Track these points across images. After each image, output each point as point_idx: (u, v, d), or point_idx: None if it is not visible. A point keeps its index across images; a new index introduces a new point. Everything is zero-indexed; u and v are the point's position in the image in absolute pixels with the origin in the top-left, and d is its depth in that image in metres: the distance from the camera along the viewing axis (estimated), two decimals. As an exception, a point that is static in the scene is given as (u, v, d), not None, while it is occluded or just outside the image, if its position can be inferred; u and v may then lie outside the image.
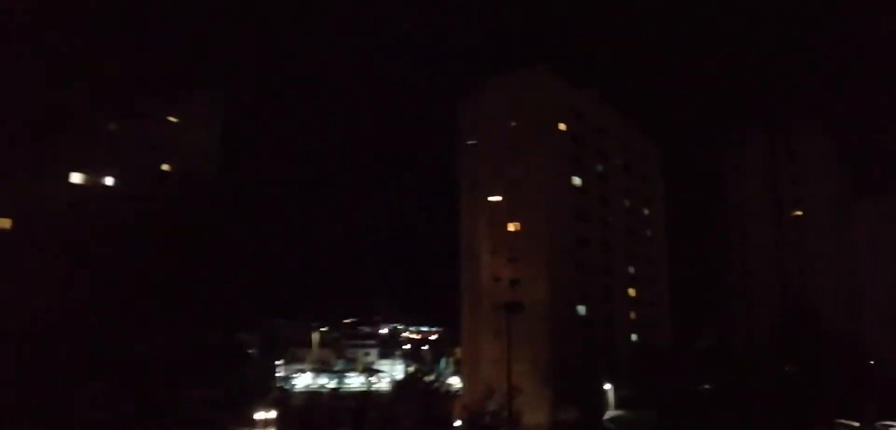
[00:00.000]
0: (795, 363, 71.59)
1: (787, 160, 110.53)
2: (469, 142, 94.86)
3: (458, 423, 43.99)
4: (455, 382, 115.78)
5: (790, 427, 58.59)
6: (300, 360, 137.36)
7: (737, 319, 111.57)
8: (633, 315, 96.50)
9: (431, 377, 77.14)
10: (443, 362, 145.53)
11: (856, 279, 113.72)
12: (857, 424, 63.51)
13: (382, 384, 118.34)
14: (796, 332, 72.80)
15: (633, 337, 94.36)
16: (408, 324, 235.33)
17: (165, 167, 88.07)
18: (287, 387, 78.91)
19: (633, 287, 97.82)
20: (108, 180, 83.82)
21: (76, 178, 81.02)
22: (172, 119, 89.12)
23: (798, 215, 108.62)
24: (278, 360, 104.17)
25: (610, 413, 79.56)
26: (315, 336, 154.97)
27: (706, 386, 71.78)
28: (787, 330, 75.68)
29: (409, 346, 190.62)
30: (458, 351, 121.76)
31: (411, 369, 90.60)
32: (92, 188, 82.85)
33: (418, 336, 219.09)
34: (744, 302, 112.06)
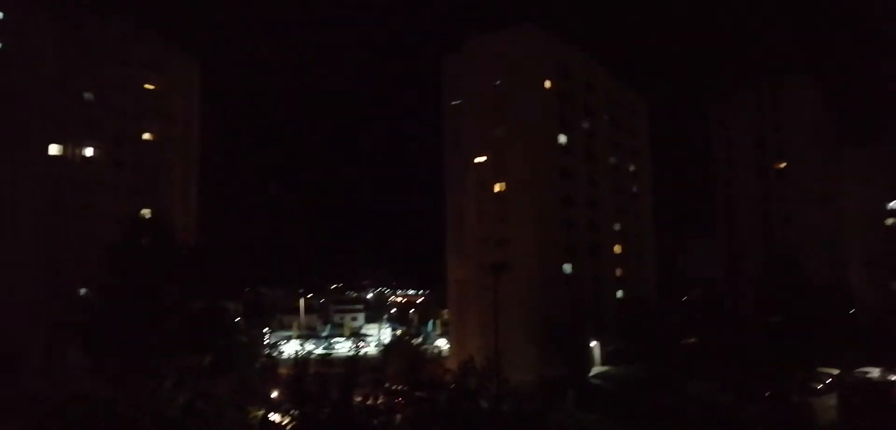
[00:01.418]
0: (779, 313, 72.36)
1: (772, 112, 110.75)
2: (454, 102, 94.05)
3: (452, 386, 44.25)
4: (442, 344, 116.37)
5: (773, 376, 59.33)
6: (287, 327, 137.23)
7: (722, 271, 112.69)
8: (619, 272, 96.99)
9: (419, 340, 77.31)
10: (430, 324, 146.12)
11: (839, 229, 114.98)
12: (837, 371, 64.55)
13: (370, 348, 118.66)
14: (780, 282, 73.38)
15: (620, 293, 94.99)
16: (395, 288, 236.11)
17: (147, 136, 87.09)
18: (274, 354, 78.49)
19: (619, 243, 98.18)
20: (89, 150, 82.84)
21: (54, 149, 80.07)
22: (150, 87, 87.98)
23: (783, 167, 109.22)
24: (265, 327, 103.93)
25: (596, 369, 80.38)
26: (302, 303, 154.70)
27: (692, 339, 72.43)
28: (771, 281, 76.25)
29: (396, 310, 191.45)
30: (446, 313, 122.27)
31: (398, 332, 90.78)
32: (72, 159, 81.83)
33: (405, 300, 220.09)
34: (729, 254, 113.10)
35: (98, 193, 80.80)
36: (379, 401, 37.82)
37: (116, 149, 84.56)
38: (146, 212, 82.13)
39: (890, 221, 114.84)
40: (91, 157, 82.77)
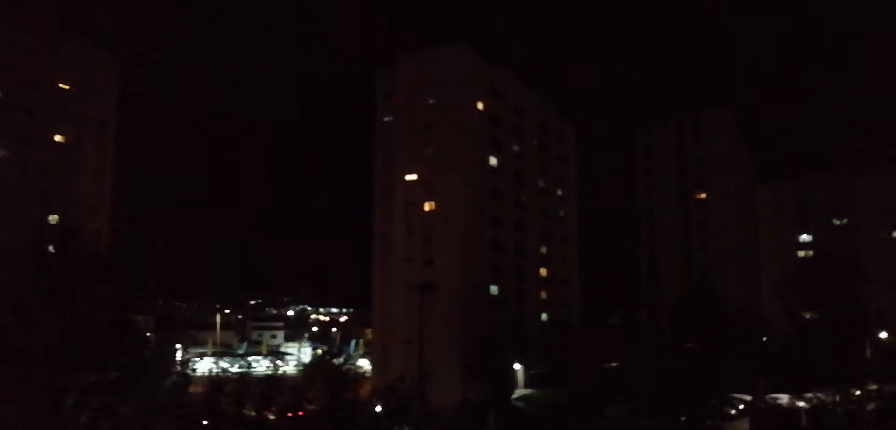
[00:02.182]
0: (695, 339, 74.42)
1: (693, 145, 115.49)
2: (385, 119, 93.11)
3: (378, 408, 42.97)
4: (365, 364, 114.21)
5: (689, 401, 60.76)
6: (201, 343, 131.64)
7: (643, 297, 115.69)
8: (544, 294, 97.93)
9: (340, 360, 75.30)
10: (353, 344, 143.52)
11: (754, 259, 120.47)
12: (749, 397, 66.66)
13: (289, 367, 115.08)
14: (696, 308, 75.59)
15: (544, 316, 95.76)
16: (317, 306, 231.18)
17: (58, 138, 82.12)
18: (187, 371, 74.79)
19: (544, 267, 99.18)
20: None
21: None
22: (64, 86, 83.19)
23: (702, 198, 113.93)
24: (177, 343, 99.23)
25: (519, 392, 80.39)
26: (218, 318, 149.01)
27: (612, 363, 73.46)
28: (688, 307, 78.46)
29: (318, 328, 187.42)
30: (369, 333, 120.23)
31: (320, 351, 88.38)
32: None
33: (328, 318, 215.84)
34: (650, 280, 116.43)
35: (2, 196, 75.36)
36: (297, 422, 36.22)
37: (23, 150, 79.22)
38: (54, 218, 77.34)
39: (801, 252, 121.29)
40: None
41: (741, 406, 64.38)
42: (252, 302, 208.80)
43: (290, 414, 41.11)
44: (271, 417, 41.21)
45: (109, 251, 67.48)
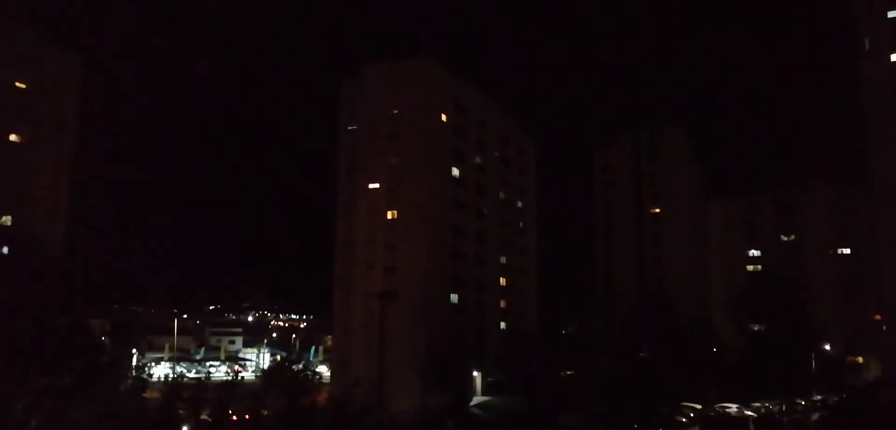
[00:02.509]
0: (648, 349, 76.50)
1: (649, 161, 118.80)
2: (350, 127, 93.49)
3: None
4: (324, 371, 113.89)
5: (641, 410, 62.48)
6: (158, 348, 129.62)
7: (599, 307, 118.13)
8: (503, 304, 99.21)
9: (300, 366, 75.16)
10: (312, 350, 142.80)
11: (705, 273, 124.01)
12: (699, 406, 68.69)
13: (247, 373, 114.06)
14: (650, 320, 77.77)
15: (503, 325, 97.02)
16: (277, 312, 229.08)
17: (14, 138, 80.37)
18: (143, 376, 73.84)
19: (504, 276, 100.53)
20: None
21: None
22: (20, 85, 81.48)
23: (657, 212, 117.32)
24: (133, 347, 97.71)
25: (477, 399, 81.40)
26: (175, 323, 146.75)
27: (569, 372, 74.99)
28: (642, 318, 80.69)
29: (277, 334, 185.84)
30: (329, 340, 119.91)
31: (279, 358, 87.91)
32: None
33: (288, 324, 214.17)
34: (605, 291, 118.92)
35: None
36: (254, 427, 36.43)
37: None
38: (7, 220, 75.66)
39: (750, 267, 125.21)
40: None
41: (692, 415, 66.29)
42: (210, 307, 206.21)
43: (247, 417, 41.21)
44: (234, 418, 41.28)
45: (65, 255, 66.50)
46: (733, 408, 67.76)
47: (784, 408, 68.34)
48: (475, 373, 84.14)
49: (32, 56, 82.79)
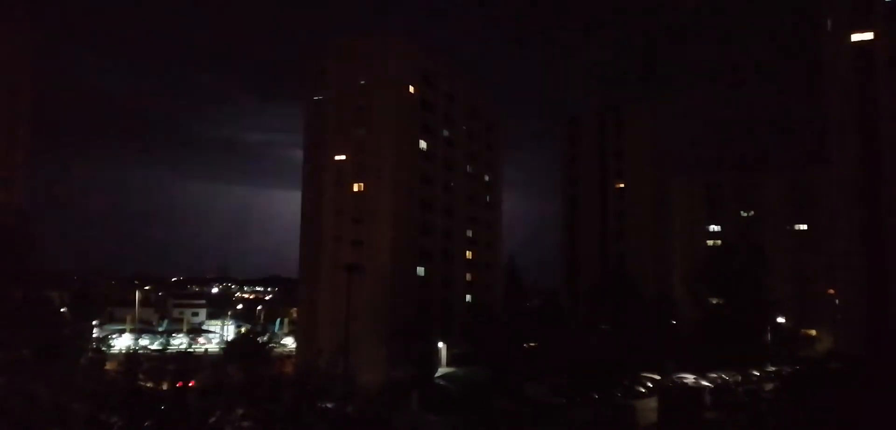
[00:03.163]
0: (610, 322, 78.02)
1: (615, 138, 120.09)
2: (315, 98, 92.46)
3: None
4: (290, 343, 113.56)
5: (602, 380, 63.86)
6: (119, 320, 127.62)
7: (563, 281, 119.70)
8: (469, 277, 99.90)
9: (265, 338, 74.87)
10: (278, 322, 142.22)
11: (667, 248, 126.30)
12: (658, 377, 70.48)
13: (211, 345, 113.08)
14: (612, 293, 79.16)
15: (468, 298, 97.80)
16: (241, 284, 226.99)
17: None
18: (104, 349, 72.72)
19: (470, 250, 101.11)
20: None
21: None
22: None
23: (621, 187, 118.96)
24: (94, 320, 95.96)
25: (442, 371, 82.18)
26: (137, 295, 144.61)
27: (532, 344, 76.10)
28: (605, 291, 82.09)
29: (242, 306, 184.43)
30: (295, 312, 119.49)
31: (243, 330, 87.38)
32: None
33: (253, 296, 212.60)
34: (570, 265, 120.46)
35: None
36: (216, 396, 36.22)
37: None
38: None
39: (710, 242, 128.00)
40: None
41: (650, 385, 68.04)
42: (173, 279, 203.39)
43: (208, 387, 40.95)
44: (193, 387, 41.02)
45: (21, 223, 64.68)
46: (690, 379, 69.69)
47: (740, 379, 70.41)
48: (441, 345, 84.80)
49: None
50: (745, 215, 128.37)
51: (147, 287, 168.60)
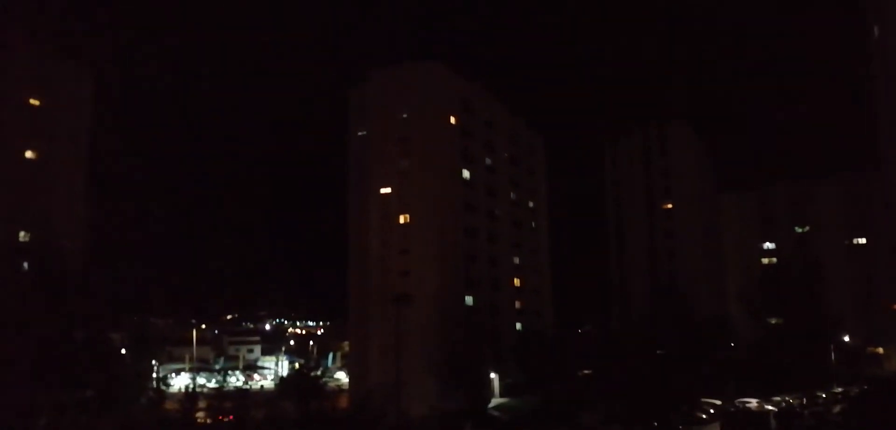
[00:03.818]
0: (665, 346, 76.07)
1: (659, 157, 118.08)
2: (359, 133, 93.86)
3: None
4: (343, 377, 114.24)
5: (660, 407, 62.19)
6: (178, 359, 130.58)
7: (614, 304, 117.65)
8: (518, 304, 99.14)
9: (318, 373, 75.47)
10: (330, 357, 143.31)
11: (719, 266, 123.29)
12: (719, 401, 68.25)
13: (266, 381, 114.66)
14: (665, 316, 77.28)
15: (518, 325, 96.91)
16: (294, 319, 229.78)
17: (29, 155, 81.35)
18: (163, 387, 74.29)
19: (518, 277, 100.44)
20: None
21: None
22: (34, 102, 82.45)
23: (669, 207, 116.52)
24: (153, 359, 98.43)
25: (495, 401, 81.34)
26: (194, 334, 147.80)
27: (586, 371, 74.78)
28: (657, 314, 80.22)
29: (294, 342, 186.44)
30: (346, 346, 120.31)
31: (297, 365, 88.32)
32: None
33: (304, 331, 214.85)
34: (620, 288, 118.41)
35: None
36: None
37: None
38: (25, 235, 76.53)
39: (765, 259, 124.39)
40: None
41: (711, 411, 65.90)
42: (228, 317, 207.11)
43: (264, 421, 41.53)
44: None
45: (83, 268, 66.98)
46: (753, 403, 67.30)
47: (805, 401, 67.81)
48: (492, 375, 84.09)
49: (45, 74, 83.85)
50: (800, 230, 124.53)
51: (203, 325, 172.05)
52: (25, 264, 63.26)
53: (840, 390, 75.66)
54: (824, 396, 70.82)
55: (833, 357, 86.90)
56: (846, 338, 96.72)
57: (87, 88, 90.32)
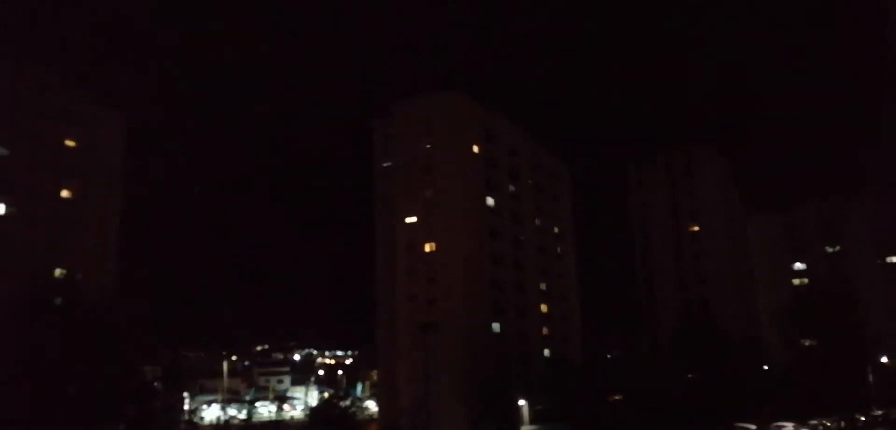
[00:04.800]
0: (697, 370, 74.99)
1: (684, 179, 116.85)
2: (384, 164, 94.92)
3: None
4: (371, 405, 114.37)
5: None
6: (209, 391, 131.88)
7: (643, 329, 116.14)
8: (545, 330, 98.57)
9: (347, 402, 75.91)
10: (359, 386, 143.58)
11: (749, 289, 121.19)
12: (754, 426, 66.88)
13: (296, 411, 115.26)
14: (697, 339, 76.28)
15: (546, 352, 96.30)
16: (322, 349, 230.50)
17: (64, 194, 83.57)
18: (195, 419, 75.22)
19: (545, 303, 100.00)
20: (0, 207, 78.45)
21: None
22: (69, 143, 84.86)
23: (696, 230, 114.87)
24: (185, 392, 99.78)
25: (525, 428, 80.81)
26: (224, 365, 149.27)
27: (616, 397, 74.04)
28: (688, 338, 79.18)
29: (324, 372, 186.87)
30: (375, 375, 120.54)
31: (326, 395, 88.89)
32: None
33: (334, 361, 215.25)
34: (649, 312, 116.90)
35: (8, 252, 76.36)
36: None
37: (29, 206, 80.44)
38: (60, 273, 78.37)
39: (796, 280, 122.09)
40: (1, 214, 78.43)
41: (747, 435, 64.63)
42: (258, 348, 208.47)
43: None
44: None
45: (116, 304, 68.41)
46: (790, 426, 65.83)
47: (843, 425, 66.20)
48: (521, 402, 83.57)
49: (80, 114, 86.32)
50: (831, 250, 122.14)
51: (234, 357, 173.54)
52: (58, 300, 64.66)
53: (880, 412, 73.72)
54: (864, 418, 69.04)
55: (870, 379, 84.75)
56: (884, 359, 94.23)
57: (121, 128, 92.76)
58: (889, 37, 79.09)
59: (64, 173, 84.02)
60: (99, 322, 54.02)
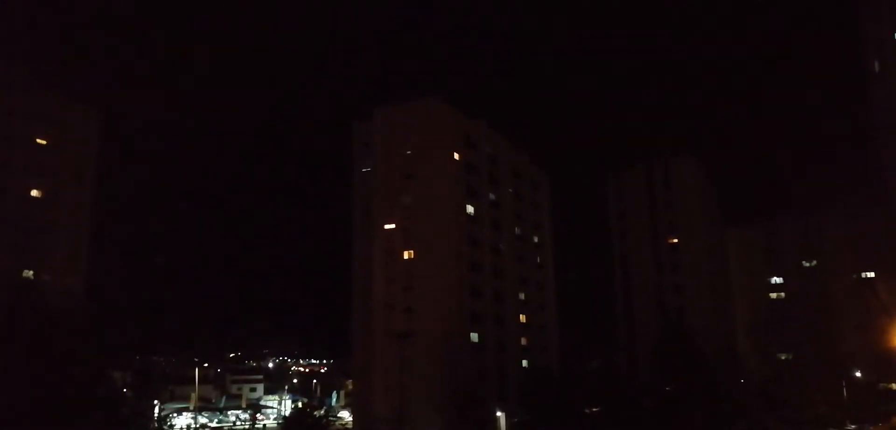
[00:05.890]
0: (673, 382, 74.93)
1: (663, 190, 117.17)
2: (364, 169, 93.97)
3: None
4: (346, 415, 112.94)
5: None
6: (180, 398, 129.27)
7: (620, 341, 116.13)
8: (523, 340, 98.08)
9: (321, 412, 74.49)
10: (334, 395, 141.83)
11: (726, 301, 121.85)
12: (729, 438, 66.93)
13: (269, 421, 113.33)
14: (673, 352, 76.21)
15: (524, 362, 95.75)
16: (297, 357, 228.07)
17: (34, 193, 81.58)
18: (165, 427, 73.39)
19: (523, 313, 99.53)
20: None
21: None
22: (41, 141, 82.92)
23: (674, 241, 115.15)
24: (155, 398, 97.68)
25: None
26: (196, 372, 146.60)
27: (594, 409, 73.65)
28: (665, 351, 79.10)
29: (298, 380, 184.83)
30: (350, 384, 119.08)
31: (300, 404, 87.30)
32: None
33: (308, 370, 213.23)
34: (627, 324, 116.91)
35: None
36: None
37: (-1, 205, 78.30)
38: (29, 274, 76.33)
39: (772, 294, 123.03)
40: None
41: (721, 448, 64.59)
42: (231, 355, 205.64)
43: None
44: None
45: (85, 306, 66.71)
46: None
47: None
48: (499, 413, 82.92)
49: (51, 113, 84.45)
50: (808, 264, 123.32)
51: (206, 364, 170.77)
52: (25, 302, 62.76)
53: (854, 426, 74.22)
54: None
55: (845, 393, 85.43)
56: (859, 373, 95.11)
57: (93, 127, 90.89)
58: (866, 58, 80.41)
59: (34, 172, 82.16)
60: (64, 325, 52.39)
